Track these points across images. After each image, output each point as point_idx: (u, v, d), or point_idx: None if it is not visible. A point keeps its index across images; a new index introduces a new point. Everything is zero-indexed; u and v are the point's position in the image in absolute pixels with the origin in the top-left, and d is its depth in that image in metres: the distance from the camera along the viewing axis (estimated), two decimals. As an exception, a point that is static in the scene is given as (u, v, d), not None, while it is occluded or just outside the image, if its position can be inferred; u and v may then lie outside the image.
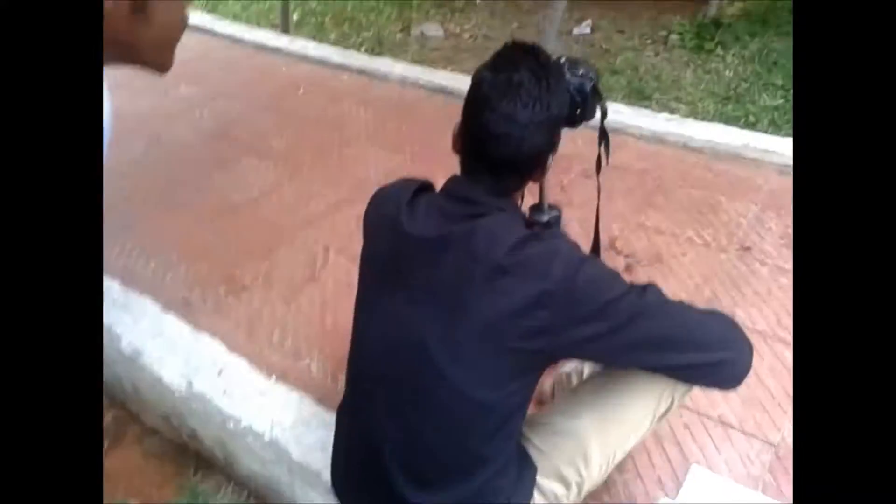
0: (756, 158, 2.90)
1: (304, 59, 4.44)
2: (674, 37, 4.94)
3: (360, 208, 1.36)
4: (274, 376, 2.08)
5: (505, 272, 1.10)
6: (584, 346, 1.13)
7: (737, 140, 3.00)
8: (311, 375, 2.11)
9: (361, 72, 4.18)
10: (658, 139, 3.13)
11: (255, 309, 2.39)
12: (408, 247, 1.20)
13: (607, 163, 1.59)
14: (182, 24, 0.81)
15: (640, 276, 2.40)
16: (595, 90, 1.51)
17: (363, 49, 5.04)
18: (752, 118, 3.68)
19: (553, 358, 1.23)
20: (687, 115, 3.71)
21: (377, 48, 5.11)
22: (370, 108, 3.79)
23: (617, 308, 1.10)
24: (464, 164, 1.21)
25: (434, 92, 3.89)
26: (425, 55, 4.94)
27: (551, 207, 1.77)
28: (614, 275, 1.16)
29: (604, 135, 1.57)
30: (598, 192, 1.67)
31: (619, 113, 3.30)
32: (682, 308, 1.19)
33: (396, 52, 5.03)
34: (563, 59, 1.50)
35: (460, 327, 1.13)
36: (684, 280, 2.36)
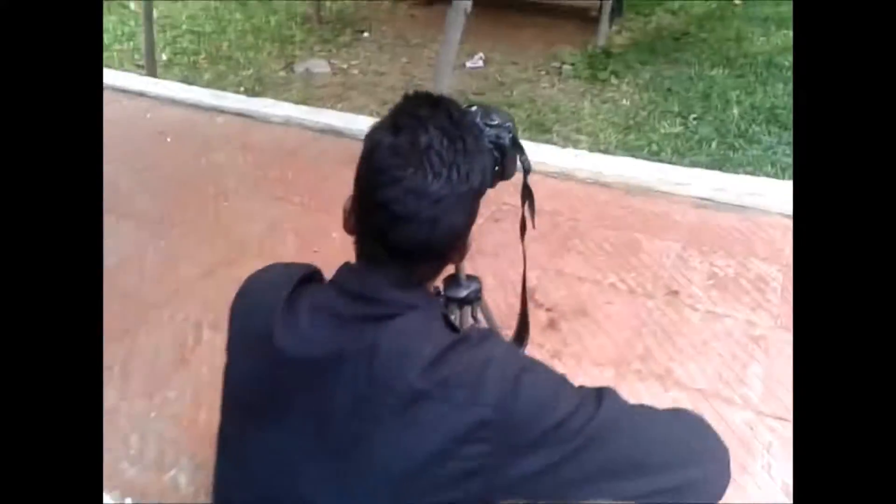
0: (670, 192, 2.75)
1: (173, 102, 3.99)
2: (567, 67, 4.87)
3: (241, 271, 1.02)
4: (129, 500, 1.68)
5: (422, 398, 0.80)
6: (530, 483, 0.84)
7: (648, 174, 2.85)
8: (179, 491, 1.72)
9: (239, 114, 3.78)
10: (567, 176, 2.93)
11: (108, 408, 1.95)
12: (284, 369, 0.87)
13: (533, 226, 1.33)
14: None
15: (566, 332, 2.14)
16: (515, 142, 1.25)
17: (242, 89, 4.63)
18: (654, 147, 3.58)
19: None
20: (590, 147, 3.56)
21: (258, 88, 4.72)
22: (250, 155, 3.39)
23: (569, 429, 0.82)
24: (360, 250, 0.91)
25: (322, 133, 3.55)
26: (311, 93, 4.60)
27: (469, 279, 1.47)
28: (561, 383, 0.88)
29: (528, 193, 1.31)
30: (524, 262, 1.40)
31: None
32: (645, 416, 0.92)
33: (279, 91, 4.65)
34: (474, 108, 1.24)
35: (361, 480, 0.82)
36: (613, 334, 2.11)
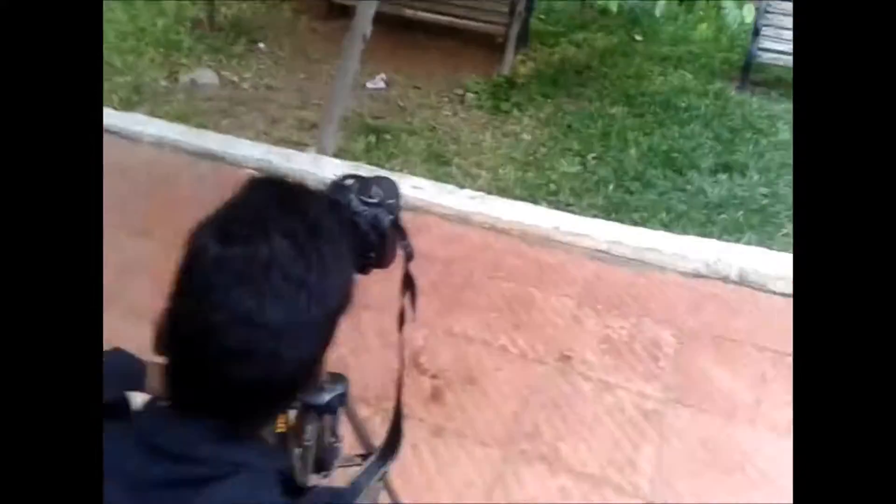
0: (567, 243, 2.64)
1: (28, 111, 3.52)
2: (470, 95, 4.75)
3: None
4: None
5: None
6: None
7: (546, 221, 2.72)
8: None
9: (105, 130, 3.37)
10: (463, 219, 2.77)
11: None
12: None
13: (413, 319, 1.14)
14: None
15: (451, 405, 1.96)
16: (396, 225, 1.05)
17: (116, 98, 4.20)
18: (553, 186, 3.49)
19: None
20: (490, 183, 3.43)
21: (135, 97, 4.30)
22: (113, 179, 2.96)
23: None
24: (173, 386, 0.68)
25: (199, 157, 3.22)
26: (195, 107, 4.24)
27: (334, 378, 1.24)
28: None
29: (409, 283, 1.12)
30: (402, 358, 1.20)
31: (420, 189, 2.90)
32: None
33: (159, 102, 4.26)
34: (347, 181, 1.03)
35: None
36: (500, 406, 1.95)
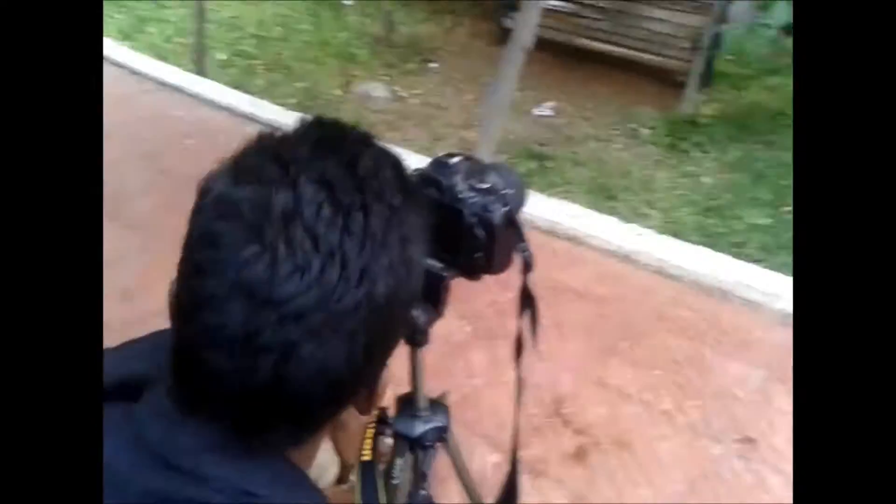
0: (753, 301, 2.21)
1: (208, 103, 3.69)
2: (644, 131, 4.39)
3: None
4: None
5: None
6: None
7: (727, 272, 2.31)
8: None
9: (272, 126, 3.41)
10: (625, 258, 2.43)
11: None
12: None
13: (534, 345, 0.88)
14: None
15: (597, 469, 1.62)
16: (511, 221, 0.81)
17: (293, 101, 4.33)
18: (738, 238, 3.06)
19: None
20: (661, 226, 3.05)
21: (308, 102, 4.41)
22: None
23: None
24: (172, 372, 0.51)
25: (357, 161, 3.15)
26: (363, 117, 4.26)
27: (434, 407, 0.98)
28: None
29: (528, 300, 0.86)
30: (518, 402, 0.94)
31: (577, 217, 2.60)
32: None
33: (330, 109, 4.33)
34: (455, 159, 0.82)
35: None
36: (659, 484, 1.58)
